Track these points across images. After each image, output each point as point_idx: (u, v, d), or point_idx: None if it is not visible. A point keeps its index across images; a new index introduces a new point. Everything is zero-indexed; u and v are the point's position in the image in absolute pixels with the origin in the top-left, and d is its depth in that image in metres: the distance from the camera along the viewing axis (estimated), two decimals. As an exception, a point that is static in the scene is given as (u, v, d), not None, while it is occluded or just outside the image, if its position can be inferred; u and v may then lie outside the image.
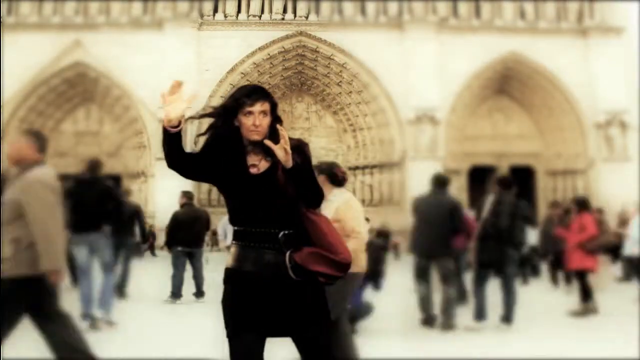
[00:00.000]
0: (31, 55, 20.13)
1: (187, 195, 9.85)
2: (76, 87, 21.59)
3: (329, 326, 2.49)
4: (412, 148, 20.43)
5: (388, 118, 20.88)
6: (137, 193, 20.16)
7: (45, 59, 20.50)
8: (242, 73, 20.80)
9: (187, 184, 20.83)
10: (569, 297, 9.28)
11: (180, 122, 2.35)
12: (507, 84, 22.45)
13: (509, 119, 22.80)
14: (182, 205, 9.69)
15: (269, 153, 2.41)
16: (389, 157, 20.81)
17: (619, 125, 20.94)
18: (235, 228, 2.50)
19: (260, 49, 20.65)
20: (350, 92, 21.06)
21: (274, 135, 2.42)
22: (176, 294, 9.09)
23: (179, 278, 9.19)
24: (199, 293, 9.27)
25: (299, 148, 2.50)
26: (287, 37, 20.79)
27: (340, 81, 21.20)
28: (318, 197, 2.50)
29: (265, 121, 2.43)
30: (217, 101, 20.63)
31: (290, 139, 2.46)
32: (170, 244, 9.42)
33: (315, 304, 2.43)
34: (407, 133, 20.51)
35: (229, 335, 2.41)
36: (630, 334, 6.15)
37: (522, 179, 22.20)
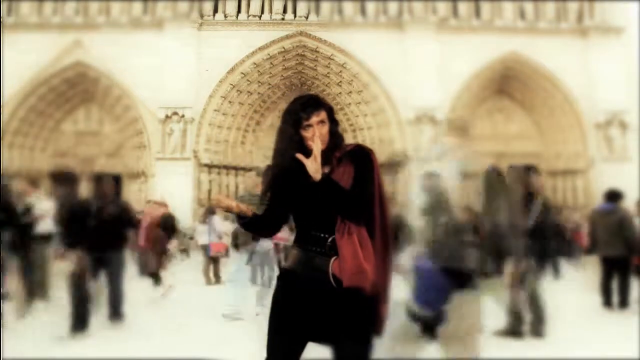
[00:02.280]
0: (31, 55, 20.13)
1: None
2: (76, 87, 21.59)
3: (369, 342, 2.41)
4: (412, 148, 20.42)
5: (388, 118, 20.89)
6: (137, 193, 20.18)
7: (45, 59, 20.51)
8: (242, 73, 20.80)
9: (188, 184, 20.82)
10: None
11: (243, 211, 2.52)
12: (507, 84, 22.44)
13: (509, 119, 22.80)
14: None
15: (327, 161, 2.44)
16: (388, 157, 20.81)
17: (619, 125, 20.94)
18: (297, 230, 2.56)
19: (260, 49, 20.66)
20: (350, 92, 21.07)
21: (333, 139, 2.46)
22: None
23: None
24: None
25: (357, 155, 2.48)
26: (287, 37, 20.80)
27: (340, 81, 21.21)
28: (350, 211, 2.41)
29: (324, 129, 2.48)
30: (217, 101, 20.66)
31: (349, 145, 2.49)
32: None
33: (357, 316, 2.37)
34: (407, 133, 20.51)
35: (269, 330, 2.46)
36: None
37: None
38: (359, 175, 2.44)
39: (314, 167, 2.35)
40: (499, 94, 22.80)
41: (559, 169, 22.14)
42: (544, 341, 6.22)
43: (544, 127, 22.49)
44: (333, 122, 2.51)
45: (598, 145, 21.04)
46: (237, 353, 5.16)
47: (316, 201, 2.42)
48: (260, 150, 21.84)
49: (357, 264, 2.36)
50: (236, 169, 21.62)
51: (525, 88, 22.28)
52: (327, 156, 2.43)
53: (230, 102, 20.99)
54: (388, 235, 2.48)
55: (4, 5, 20.69)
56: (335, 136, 2.49)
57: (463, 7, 21.59)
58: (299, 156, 2.39)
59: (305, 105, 2.49)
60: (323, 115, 2.48)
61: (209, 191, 20.88)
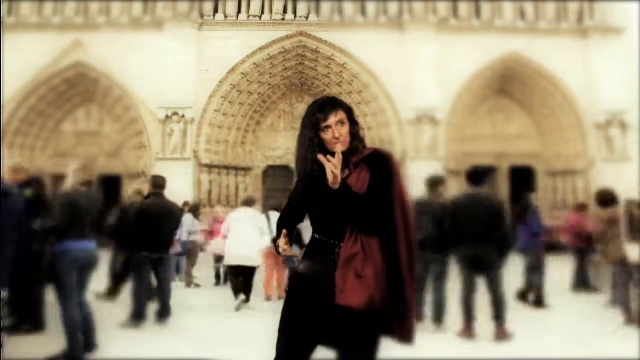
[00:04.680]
0: (31, 55, 20.13)
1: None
2: (76, 87, 21.59)
3: (373, 348, 2.39)
4: (412, 148, 20.42)
5: (388, 118, 20.87)
6: (137, 193, 20.16)
7: (45, 59, 20.50)
8: (242, 73, 20.79)
9: (188, 184, 20.82)
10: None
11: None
12: (507, 84, 22.43)
13: (509, 119, 22.79)
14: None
15: (346, 164, 2.39)
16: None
17: (619, 125, 20.93)
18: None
19: (260, 49, 20.65)
20: (350, 92, 21.05)
21: (355, 140, 2.41)
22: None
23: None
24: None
25: (374, 161, 2.41)
26: (287, 37, 20.79)
27: (340, 81, 21.20)
28: (364, 222, 2.34)
29: (344, 129, 2.41)
30: (217, 101, 20.65)
31: (367, 149, 2.43)
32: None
33: (362, 322, 2.34)
34: (407, 133, 20.49)
35: (279, 331, 2.47)
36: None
37: (522, 179, 22.24)
38: (374, 182, 2.36)
39: (331, 177, 2.31)
40: (499, 94, 22.78)
41: (559, 169, 22.13)
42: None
43: (544, 127, 22.48)
44: (353, 123, 2.45)
45: (598, 145, 21.02)
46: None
47: (331, 207, 2.39)
48: (260, 150, 21.83)
49: (352, 284, 2.30)
50: (236, 169, 21.61)
51: (525, 88, 22.26)
52: (346, 159, 2.36)
53: (230, 102, 20.98)
54: (412, 243, 2.40)
55: (4, 5, 20.68)
56: (355, 138, 2.42)
57: (463, 7, 21.58)
58: (320, 157, 2.33)
59: (321, 106, 2.43)
60: (341, 115, 2.42)
61: (209, 191, 20.86)
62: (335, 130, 2.38)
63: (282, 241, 2.50)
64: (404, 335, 2.39)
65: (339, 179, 2.29)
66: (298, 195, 2.54)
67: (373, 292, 2.30)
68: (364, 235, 2.35)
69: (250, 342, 5.79)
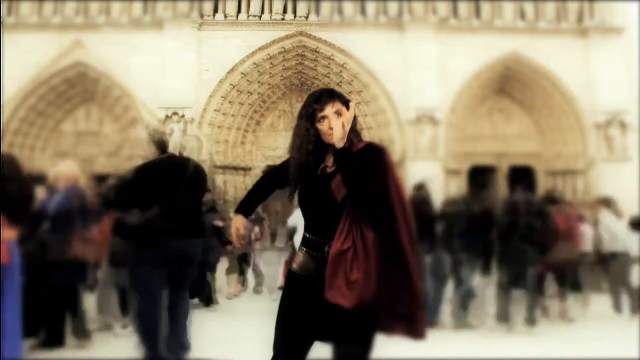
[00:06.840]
0: (31, 55, 20.13)
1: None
2: (76, 87, 21.59)
3: (368, 343, 2.37)
4: (412, 148, 20.41)
5: (388, 118, 20.87)
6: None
7: (45, 59, 20.50)
8: (242, 73, 20.79)
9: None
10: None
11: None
12: (507, 84, 22.43)
13: (509, 119, 22.78)
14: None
15: (339, 159, 2.34)
16: (389, 157, 20.75)
17: (619, 126, 20.92)
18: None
19: (260, 49, 20.65)
20: (350, 92, 21.04)
21: (352, 134, 2.37)
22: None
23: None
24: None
25: (367, 151, 2.36)
26: (287, 37, 20.79)
27: (340, 81, 21.19)
28: (366, 208, 2.28)
29: (341, 121, 2.36)
30: (217, 101, 20.64)
31: (362, 142, 2.39)
32: None
33: (355, 321, 2.31)
34: (407, 133, 20.49)
35: (275, 329, 2.47)
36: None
37: (522, 179, 22.24)
38: (363, 172, 2.28)
39: (341, 133, 2.26)
40: (499, 94, 22.78)
41: (559, 169, 22.13)
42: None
43: (544, 127, 22.47)
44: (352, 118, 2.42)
45: (598, 145, 21.01)
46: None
47: (325, 198, 2.37)
48: (260, 150, 21.83)
49: (342, 281, 2.27)
50: (236, 169, 21.61)
51: (525, 88, 22.26)
52: (339, 154, 2.33)
53: (230, 102, 20.98)
54: (413, 237, 2.35)
55: (4, 5, 20.69)
56: (351, 131, 2.37)
57: (463, 7, 21.56)
58: (329, 113, 2.32)
59: (318, 97, 2.41)
60: (339, 106, 2.38)
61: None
62: (332, 121, 2.35)
63: (235, 234, 2.66)
64: (417, 331, 2.36)
65: (345, 138, 2.27)
66: (277, 169, 2.57)
67: (362, 293, 2.26)
68: (358, 230, 2.30)
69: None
